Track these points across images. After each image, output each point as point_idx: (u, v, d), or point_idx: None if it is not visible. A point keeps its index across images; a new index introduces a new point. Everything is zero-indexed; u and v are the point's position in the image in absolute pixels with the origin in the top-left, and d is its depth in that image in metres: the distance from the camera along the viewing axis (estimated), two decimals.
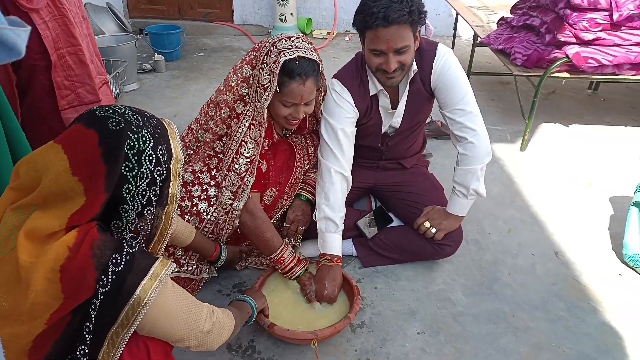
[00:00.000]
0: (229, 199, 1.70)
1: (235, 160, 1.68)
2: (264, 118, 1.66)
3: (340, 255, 1.78)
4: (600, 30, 2.59)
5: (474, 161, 1.76)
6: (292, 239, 1.93)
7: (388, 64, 1.60)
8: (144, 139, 1.01)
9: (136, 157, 1.00)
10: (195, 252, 1.75)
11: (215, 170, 1.78)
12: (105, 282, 0.92)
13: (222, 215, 1.73)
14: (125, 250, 0.96)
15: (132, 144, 0.99)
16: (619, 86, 3.87)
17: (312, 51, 1.63)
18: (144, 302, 0.95)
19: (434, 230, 1.84)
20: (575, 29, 2.59)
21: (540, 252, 2.10)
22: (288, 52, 1.56)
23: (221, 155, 1.77)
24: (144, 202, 1.03)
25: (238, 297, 1.51)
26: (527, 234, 2.22)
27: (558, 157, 2.88)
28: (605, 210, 2.37)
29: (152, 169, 1.03)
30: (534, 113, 2.85)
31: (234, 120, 1.70)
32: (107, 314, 0.94)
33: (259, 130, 1.67)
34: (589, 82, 3.84)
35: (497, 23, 3.50)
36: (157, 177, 1.04)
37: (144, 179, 1.02)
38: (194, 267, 1.78)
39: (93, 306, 0.92)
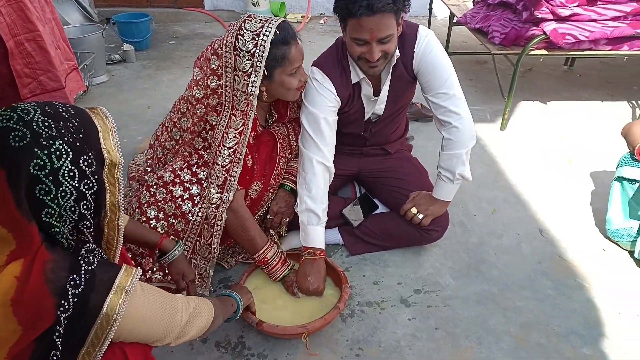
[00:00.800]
0: (217, 193, 1.63)
1: (218, 152, 1.61)
2: (252, 105, 1.59)
3: (323, 247, 1.73)
4: (577, 6, 2.58)
5: (458, 146, 1.73)
6: (276, 231, 1.89)
7: (371, 53, 1.54)
8: (57, 153, 0.84)
9: (51, 177, 0.84)
10: (132, 244, 1.58)
11: (196, 166, 1.71)
12: (66, 307, 0.85)
13: (212, 212, 1.66)
14: (82, 268, 0.88)
15: (41, 163, 0.83)
16: (594, 62, 3.90)
17: (276, 18, 1.61)
18: (113, 318, 0.89)
19: (421, 216, 1.82)
20: (552, 5, 2.58)
21: (525, 231, 2.10)
22: (266, 31, 1.51)
23: (202, 151, 1.70)
24: (76, 218, 0.91)
25: (223, 292, 1.47)
26: (511, 213, 2.22)
27: (538, 135, 2.89)
28: (586, 186, 2.39)
29: (77, 184, 0.88)
30: (513, 91, 2.85)
31: (212, 114, 1.64)
32: (74, 337, 0.87)
33: (242, 119, 1.60)
34: (565, 59, 3.86)
35: (473, 1, 3.47)
36: (87, 191, 0.90)
37: (68, 196, 0.87)
38: None
39: (57, 333, 0.85)
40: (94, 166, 0.91)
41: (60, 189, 0.86)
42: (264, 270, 1.71)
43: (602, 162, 2.56)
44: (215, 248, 1.70)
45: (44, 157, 0.83)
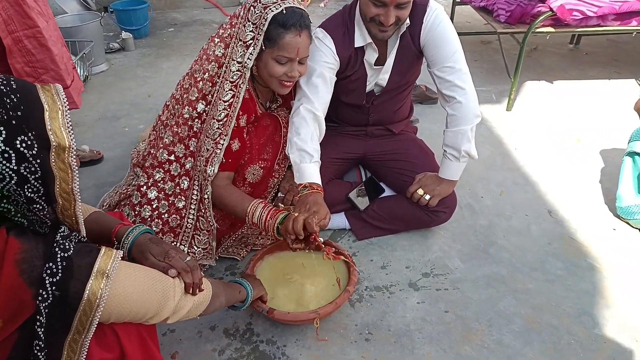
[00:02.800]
0: (203, 165, 1.60)
1: (209, 125, 1.58)
2: (244, 77, 1.55)
3: (320, 183, 1.62)
4: None
5: (463, 121, 1.70)
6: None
7: (387, 16, 1.54)
8: None
9: None
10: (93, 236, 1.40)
11: (187, 139, 1.67)
12: (45, 296, 0.82)
13: (205, 187, 1.62)
14: (59, 256, 0.84)
15: None
16: (600, 39, 3.83)
17: (299, 2, 1.55)
18: (96, 303, 0.86)
19: (427, 197, 1.79)
20: None
21: (534, 213, 2.07)
22: (274, 6, 1.47)
23: (190, 121, 1.66)
24: (25, 201, 0.84)
25: (234, 279, 1.45)
26: (520, 194, 2.19)
27: (545, 114, 2.85)
28: (595, 165, 2.36)
29: (15, 167, 0.80)
30: (519, 71, 2.80)
31: (207, 82, 1.61)
32: (56, 326, 0.85)
33: (231, 90, 1.56)
34: (571, 37, 3.79)
35: None
36: (30, 176, 0.82)
37: (7, 180, 0.80)
38: (185, 249, 1.69)
39: (38, 323, 0.83)
40: (35, 149, 0.82)
41: None
42: (260, 229, 1.58)
43: (611, 140, 2.51)
44: (211, 219, 1.66)
45: None
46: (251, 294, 1.41)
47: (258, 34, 1.48)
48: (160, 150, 1.71)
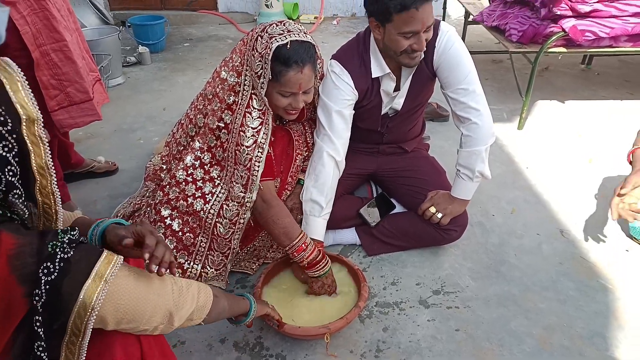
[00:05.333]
0: (241, 192, 1.63)
1: (238, 152, 1.61)
2: (265, 105, 1.58)
3: (322, 240, 1.72)
4: (597, 2, 2.54)
5: (478, 142, 1.70)
6: None
7: (420, 42, 1.55)
8: None
9: None
10: None
11: (209, 165, 1.71)
12: (40, 294, 0.81)
13: (235, 209, 1.66)
14: (58, 256, 0.83)
15: None
16: (612, 60, 3.83)
17: (305, 34, 1.55)
18: (91, 306, 0.84)
19: (439, 215, 1.79)
20: (571, 1, 2.54)
21: (546, 232, 2.07)
22: (280, 38, 1.47)
23: (214, 149, 1.69)
24: (4, 188, 0.81)
25: (238, 293, 1.43)
26: (531, 213, 2.19)
27: (556, 134, 2.85)
28: (607, 186, 2.34)
29: None
30: (531, 90, 2.81)
31: (226, 112, 1.62)
32: (54, 324, 0.84)
33: (260, 117, 1.58)
34: (582, 57, 3.80)
35: None
36: (8, 154, 0.79)
37: None
38: (198, 268, 1.71)
39: (37, 323, 0.82)
40: (9, 123, 0.79)
41: None
42: (300, 264, 1.62)
43: (623, 161, 2.49)
44: (235, 244, 1.70)
45: None
46: (254, 308, 1.37)
47: (265, 63, 1.48)
48: (180, 171, 1.73)
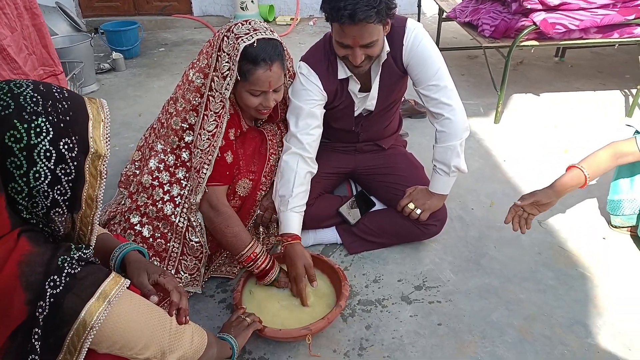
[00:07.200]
0: (192, 195, 1.62)
1: (194, 153, 1.59)
2: (225, 108, 1.56)
3: (298, 233, 1.67)
4: None
5: (452, 137, 1.71)
6: (267, 227, 1.86)
7: (354, 57, 1.54)
8: (37, 130, 0.82)
9: (25, 153, 0.82)
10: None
11: (174, 167, 1.68)
12: (44, 306, 0.82)
13: (192, 214, 1.64)
14: (65, 271, 0.85)
15: (17, 135, 0.81)
16: (585, 52, 3.90)
17: (271, 31, 1.54)
18: (91, 325, 0.85)
19: (418, 211, 1.80)
20: None
21: None
22: (246, 37, 1.46)
23: (177, 150, 1.67)
24: (49, 204, 0.87)
25: (219, 336, 1.37)
26: (510, 205, 2.19)
27: (532, 126, 2.88)
28: None
29: (52, 167, 0.85)
30: (505, 84, 2.84)
31: (191, 113, 1.61)
32: (51, 340, 0.84)
33: (215, 121, 1.56)
34: (556, 50, 3.86)
35: None
36: (63, 177, 0.87)
37: (42, 179, 0.84)
38: (172, 274, 1.68)
39: (36, 336, 0.82)
40: (75, 152, 0.88)
41: (34, 168, 0.83)
42: (252, 272, 1.63)
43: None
44: (206, 249, 1.68)
45: (22, 131, 0.82)
46: (237, 350, 1.36)
47: (232, 64, 1.47)
48: (146, 176, 1.70)
